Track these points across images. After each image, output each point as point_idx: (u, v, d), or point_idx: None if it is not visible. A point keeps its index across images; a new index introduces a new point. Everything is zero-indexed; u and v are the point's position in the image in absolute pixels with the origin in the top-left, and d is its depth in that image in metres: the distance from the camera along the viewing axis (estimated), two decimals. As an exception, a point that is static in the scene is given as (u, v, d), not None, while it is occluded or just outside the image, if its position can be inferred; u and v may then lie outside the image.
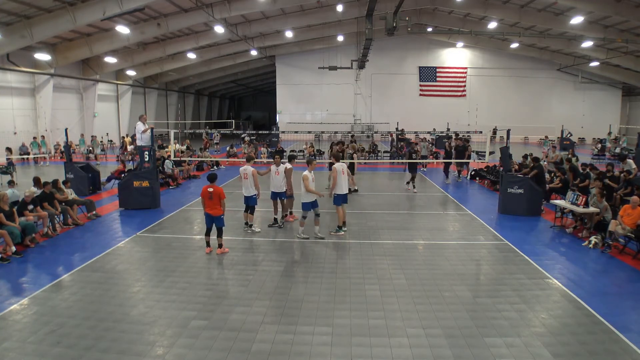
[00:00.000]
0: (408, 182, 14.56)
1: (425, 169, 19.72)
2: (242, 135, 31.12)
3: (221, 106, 57.19)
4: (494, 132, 12.99)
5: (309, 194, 8.75)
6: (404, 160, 17.21)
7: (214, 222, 7.97)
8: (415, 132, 24.69)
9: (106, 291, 6.48)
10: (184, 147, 21.09)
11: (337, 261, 7.77)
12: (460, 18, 31.05)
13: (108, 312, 5.78)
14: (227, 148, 23.32)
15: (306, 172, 8.78)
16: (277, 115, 40.93)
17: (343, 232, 9.37)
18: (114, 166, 17.89)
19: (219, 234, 8.05)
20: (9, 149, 20.61)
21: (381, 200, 13.04)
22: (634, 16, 22.17)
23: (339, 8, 26.93)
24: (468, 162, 16.97)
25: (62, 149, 22.07)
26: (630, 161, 12.97)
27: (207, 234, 8.16)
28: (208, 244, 8.23)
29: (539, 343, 5.06)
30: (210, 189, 7.84)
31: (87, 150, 24.26)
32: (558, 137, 31.74)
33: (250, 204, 9.60)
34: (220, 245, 8.10)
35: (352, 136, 25.43)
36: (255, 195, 9.48)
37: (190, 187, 15.43)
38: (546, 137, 31.56)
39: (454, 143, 17.87)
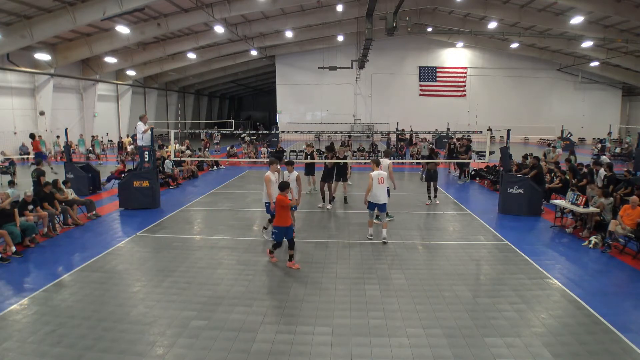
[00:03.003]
0: (435, 196, 12.64)
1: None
2: (242, 135, 31.17)
3: (221, 106, 57.18)
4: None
5: (372, 194, 8.65)
6: (421, 160, 16.16)
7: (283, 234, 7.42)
8: (415, 132, 24.71)
9: (106, 291, 6.48)
10: (184, 147, 21.08)
11: (337, 261, 7.77)
12: (460, 18, 31.05)
13: (108, 312, 5.78)
14: (227, 148, 23.34)
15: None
16: (277, 115, 40.94)
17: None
18: (114, 166, 17.90)
19: (289, 245, 7.47)
20: (3, 153, 20.47)
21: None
22: (634, 16, 22.18)
23: (339, 8, 26.93)
24: (469, 163, 16.95)
25: (62, 149, 22.08)
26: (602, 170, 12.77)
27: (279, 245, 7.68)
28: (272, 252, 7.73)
29: (539, 343, 5.07)
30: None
31: (87, 150, 24.29)
32: (558, 137, 31.79)
33: (266, 211, 8.78)
34: (290, 258, 7.45)
35: (349, 137, 25.33)
36: (267, 202, 8.48)
37: (190, 187, 15.43)
38: (558, 137, 31.35)
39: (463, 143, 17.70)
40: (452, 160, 16.88)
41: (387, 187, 9.55)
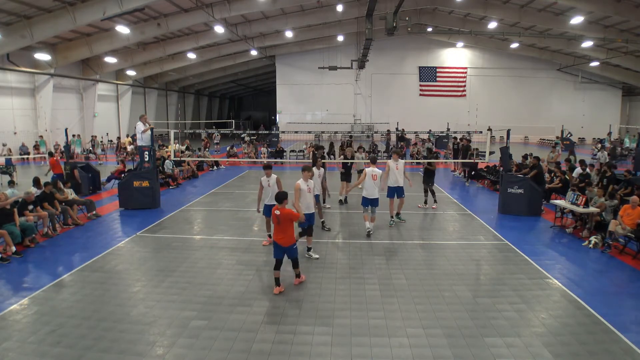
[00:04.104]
0: (435, 201, 12.05)
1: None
2: (242, 135, 31.16)
3: (221, 106, 57.18)
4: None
5: (366, 189, 9.13)
6: (421, 160, 15.62)
7: (285, 252, 6.41)
8: (415, 132, 24.69)
9: (106, 291, 6.48)
10: (184, 147, 21.07)
11: (337, 261, 7.77)
12: (460, 18, 31.05)
13: (108, 312, 5.78)
14: (227, 148, 23.34)
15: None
16: (277, 115, 40.94)
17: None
18: (114, 166, 17.90)
19: (294, 265, 6.63)
20: (4, 144, 20.47)
21: (381, 199, 12.98)
22: (634, 16, 22.18)
23: (339, 8, 26.93)
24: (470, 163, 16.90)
25: (62, 149, 22.09)
26: (578, 168, 13.02)
27: (277, 267, 6.41)
28: (278, 282, 6.42)
29: (539, 343, 5.07)
30: (277, 212, 6.27)
31: (86, 150, 24.27)
32: (557, 137, 31.79)
33: (303, 225, 7.75)
34: (297, 275, 6.75)
35: (350, 137, 25.31)
36: (307, 214, 7.61)
37: (190, 187, 15.43)
38: (557, 137, 31.30)
39: (464, 143, 17.63)
40: (457, 161, 16.79)
41: (402, 186, 10.28)
